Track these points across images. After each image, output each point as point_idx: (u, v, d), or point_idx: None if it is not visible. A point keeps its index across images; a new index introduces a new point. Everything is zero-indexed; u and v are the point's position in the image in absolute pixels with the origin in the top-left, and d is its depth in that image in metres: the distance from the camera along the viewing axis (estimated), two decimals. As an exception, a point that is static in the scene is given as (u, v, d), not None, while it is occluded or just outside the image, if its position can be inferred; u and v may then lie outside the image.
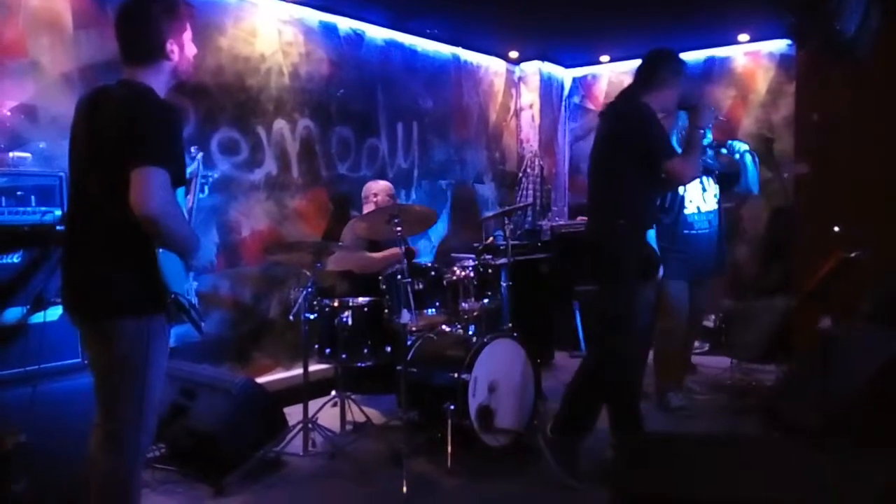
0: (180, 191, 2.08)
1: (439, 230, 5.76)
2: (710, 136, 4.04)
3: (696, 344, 5.32)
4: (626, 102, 3.30)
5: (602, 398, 3.25)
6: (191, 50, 2.15)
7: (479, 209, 6.23)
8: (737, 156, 3.97)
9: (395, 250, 3.65)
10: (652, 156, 3.10)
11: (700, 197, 4.05)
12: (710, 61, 6.12)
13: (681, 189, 4.00)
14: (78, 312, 2.07)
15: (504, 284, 4.06)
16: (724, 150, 4.00)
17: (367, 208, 4.37)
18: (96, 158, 1.99)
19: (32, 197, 2.79)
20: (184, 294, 2.07)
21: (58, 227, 2.75)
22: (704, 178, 4.06)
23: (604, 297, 3.27)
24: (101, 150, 1.97)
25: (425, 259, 5.36)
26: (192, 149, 2.48)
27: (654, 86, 3.20)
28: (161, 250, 1.98)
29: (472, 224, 5.97)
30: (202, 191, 2.49)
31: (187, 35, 2.13)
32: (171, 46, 2.08)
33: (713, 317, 5.55)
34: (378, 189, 4.40)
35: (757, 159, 4.04)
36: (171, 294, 2.02)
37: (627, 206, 3.16)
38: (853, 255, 3.35)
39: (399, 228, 3.28)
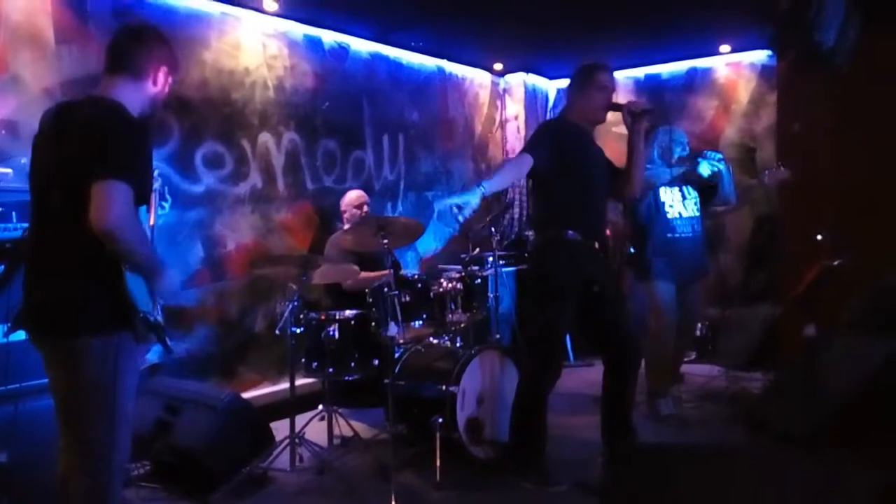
0: (142, 210, 2.04)
1: (426, 242, 5.75)
2: (687, 148, 4.12)
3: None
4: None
5: (541, 407, 3.24)
6: (163, 94, 2.17)
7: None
8: (714, 166, 4.03)
9: (384, 273, 3.64)
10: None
11: (680, 203, 4.12)
12: (693, 72, 6.19)
13: (663, 194, 4.06)
14: (42, 332, 2.01)
15: (491, 295, 4.07)
16: (700, 160, 4.05)
17: (345, 222, 4.43)
18: (61, 174, 1.94)
19: (13, 213, 2.76)
20: (150, 313, 2.03)
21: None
22: (685, 187, 4.13)
23: (532, 309, 3.28)
24: (66, 167, 1.93)
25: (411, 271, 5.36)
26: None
27: (570, 103, 3.30)
28: (128, 272, 1.94)
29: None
30: (161, 206, 2.46)
31: (169, 82, 2.17)
32: (159, 74, 2.11)
33: (700, 325, 5.57)
34: (346, 203, 4.47)
35: (730, 168, 4.12)
36: (139, 313, 1.97)
37: (550, 218, 3.21)
38: (836, 262, 3.39)
39: (386, 241, 3.28)
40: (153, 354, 3.66)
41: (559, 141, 3.15)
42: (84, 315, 1.94)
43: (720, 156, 4.06)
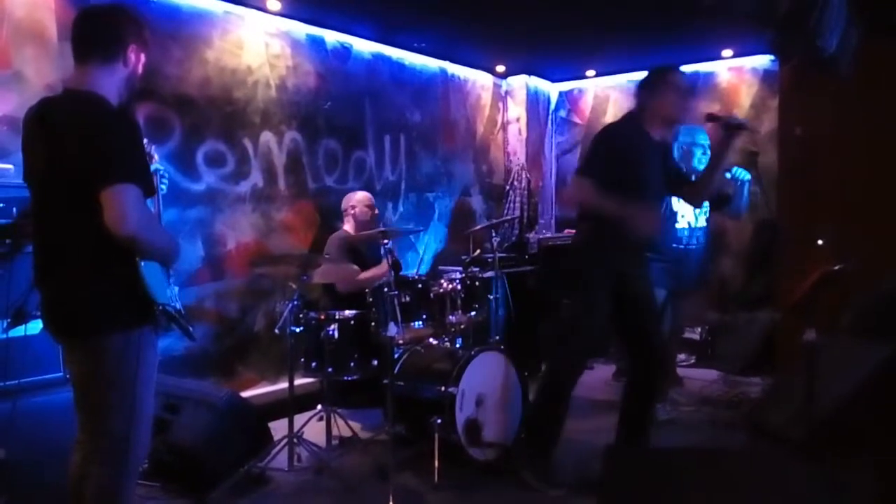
0: (149, 202, 2.06)
1: (426, 241, 5.76)
2: (708, 152, 4.10)
3: (683, 357, 5.35)
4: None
5: (562, 407, 3.23)
6: (136, 73, 2.12)
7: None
8: (738, 183, 3.99)
9: (382, 268, 3.64)
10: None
11: (692, 213, 4.10)
12: (695, 76, 6.17)
13: (675, 203, 4.05)
14: (62, 331, 2.02)
15: (491, 297, 4.07)
16: (727, 175, 4.01)
17: (347, 220, 4.41)
18: (62, 177, 1.92)
19: (14, 209, 2.75)
20: (169, 303, 2.05)
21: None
22: None
23: (569, 303, 3.32)
24: (66, 170, 1.91)
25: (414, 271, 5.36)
26: (144, 142, 2.41)
27: (641, 105, 3.24)
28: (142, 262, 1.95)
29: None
30: (160, 188, 2.45)
31: (142, 60, 2.12)
32: (129, 53, 2.05)
33: (699, 329, 5.57)
34: (356, 201, 4.43)
35: (753, 182, 4.08)
36: (158, 305, 1.99)
37: (591, 217, 3.19)
38: (836, 267, 3.38)
39: (387, 241, 3.28)
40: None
41: (616, 148, 3.12)
42: (104, 313, 1.95)
43: (748, 175, 4.01)
